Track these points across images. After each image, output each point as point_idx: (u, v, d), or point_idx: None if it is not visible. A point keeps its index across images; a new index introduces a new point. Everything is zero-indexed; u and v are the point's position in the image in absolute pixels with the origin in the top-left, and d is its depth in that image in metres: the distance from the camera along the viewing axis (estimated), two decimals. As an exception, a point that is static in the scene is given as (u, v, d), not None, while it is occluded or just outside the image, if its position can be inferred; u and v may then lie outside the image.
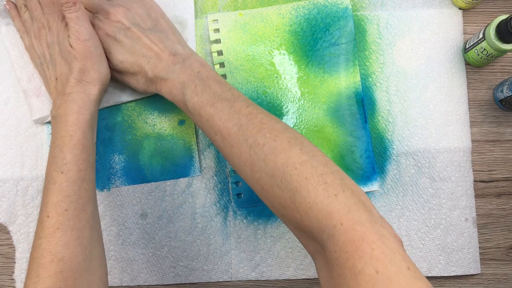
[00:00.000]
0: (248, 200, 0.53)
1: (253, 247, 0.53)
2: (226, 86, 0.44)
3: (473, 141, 0.55)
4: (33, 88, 0.52)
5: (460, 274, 0.53)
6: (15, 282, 0.53)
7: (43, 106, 0.52)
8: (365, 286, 0.30)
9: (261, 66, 0.54)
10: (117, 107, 0.54)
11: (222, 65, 0.54)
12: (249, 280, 0.54)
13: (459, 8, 0.55)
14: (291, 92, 0.54)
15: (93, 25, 0.48)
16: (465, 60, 0.55)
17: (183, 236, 0.53)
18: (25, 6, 0.50)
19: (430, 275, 0.53)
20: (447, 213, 0.53)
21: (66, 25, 0.46)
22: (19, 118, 0.53)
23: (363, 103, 0.54)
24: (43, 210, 0.41)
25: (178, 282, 0.53)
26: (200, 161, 0.54)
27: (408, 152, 0.54)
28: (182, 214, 0.53)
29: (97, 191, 0.53)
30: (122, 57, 0.47)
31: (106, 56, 0.48)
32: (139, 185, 0.53)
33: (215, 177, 0.54)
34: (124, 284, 0.53)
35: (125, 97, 0.53)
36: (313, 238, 0.36)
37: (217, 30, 0.55)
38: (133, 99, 0.53)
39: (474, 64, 0.55)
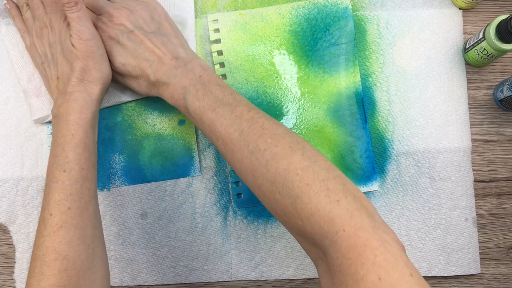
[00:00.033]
0: (248, 200, 0.53)
1: (253, 247, 0.53)
2: (228, 90, 0.44)
3: (473, 141, 0.55)
4: (33, 88, 0.52)
5: (460, 274, 0.53)
6: (15, 282, 0.53)
7: (43, 106, 0.52)
8: None
9: (261, 66, 0.54)
10: (117, 107, 0.54)
11: (222, 65, 0.54)
12: (249, 280, 0.54)
13: (459, 8, 0.56)
14: (291, 92, 0.54)
15: (96, 27, 0.48)
16: (465, 60, 0.55)
17: (183, 236, 0.53)
18: (27, 5, 0.50)
19: (430, 275, 0.53)
20: (447, 213, 0.53)
21: (68, 25, 0.46)
22: (19, 118, 0.53)
23: (363, 103, 0.54)
24: (45, 209, 0.40)
25: (178, 282, 0.53)
26: (200, 161, 0.54)
27: (408, 152, 0.54)
28: (182, 214, 0.53)
29: (97, 191, 0.53)
30: (124, 60, 0.47)
31: (109, 59, 0.48)
32: (139, 185, 0.53)
33: (215, 177, 0.54)
34: (124, 284, 0.53)
35: (125, 97, 0.53)
36: (315, 244, 0.36)
37: (217, 30, 0.55)
38: (134, 99, 0.53)
39: (474, 64, 0.55)
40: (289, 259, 0.53)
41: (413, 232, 0.53)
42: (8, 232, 0.53)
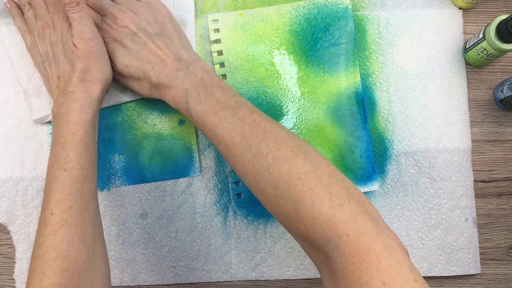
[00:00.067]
0: (248, 200, 0.53)
1: (253, 247, 0.53)
2: (230, 92, 0.44)
3: (473, 141, 0.55)
4: (33, 88, 0.52)
5: (460, 274, 0.53)
6: (15, 282, 0.53)
7: (43, 106, 0.52)
8: None
9: (261, 66, 0.54)
10: (117, 107, 0.54)
11: (222, 65, 0.54)
12: (249, 280, 0.54)
13: (459, 8, 0.56)
14: (291, 92, 0.54)
15: (100, 28, 0.48)
16: (465, 60, 0.55)
17: (183, 236, 0.53)
18: (29, 4, 0.50)
19: (430, 275, 0.53)
20: (447, 213, 0.53)
21: (70, 25, 0.46)
22: (19, 118, 0.53)
23: (363, 103, 0.54)
24: (46, 208, 0.40)
25: (178, 282, 0.53)
26: (200, 161, 0.54)
27: (408, 152, 0.54)
28: (182, 214, 0.53)
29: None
30: (127, 62, 0.48)
31: (112, 60, 0.49)
32: (139, 185, 0.53)
33: (215, 177, 0.54)
34: (124, 284, 0.53)
35: (125, 97, 0.53)
36: (318, 249, 0.36)
37: (217, 30, 0.55)
38: (134, 99, 0.53)
39: (474, 64, 0.55)
40: (289, 259, 0.53)
41: (413, 232, 0.53)
42: (8, 232, 0.53)
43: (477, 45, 0.51)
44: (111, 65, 0.49)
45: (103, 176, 0.53)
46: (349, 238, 0.33)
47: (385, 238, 0.33)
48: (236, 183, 0.53)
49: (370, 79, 0.55)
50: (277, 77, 0.54)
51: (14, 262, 0.53)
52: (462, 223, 0.53)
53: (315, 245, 0.36)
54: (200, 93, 0.44)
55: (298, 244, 0.53)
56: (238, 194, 0.53)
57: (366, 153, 0.53)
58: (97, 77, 0.46)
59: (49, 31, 0.48)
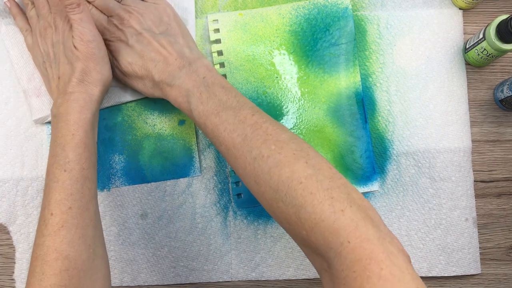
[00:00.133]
0: (248, 200, 0.53)
1: (253, 247, 0.53)
2: (232, 92, 0.44)
3: (473, 141, 0.55)
4: (33, 88, 0.52)
5: (460, 274, 0.53)
6: (15, 282, 0.53)
7: (43, 106, 0.52)
8: None
9: (261, 66, 0.54)
10: (117, 107, 0.54)
11: (222, 65, 0.54)
12: (249, 280, 0.53)
13: (459, 8, 0.56)
14: (291, 92, 0.54)
15: (106, 29, 0.49)
16: (465, 60, 0.55)
17: (183, 236, 0.53)
18: (32, 3, 0.50)
19: (430, 275, 0.53)
20: (447, 213, 0.53)
21: (72, 26, 0.46)
22: (19, 118, 0.53)
23: (363, 103, 0.54)
24: (45, 208, 0.40)
25: (178, 282, 0.53)
26: (200, 161, 0.54)
27: (408, 152, 0.54)
28: (182, 214, 0.53)
29: (97, 191, 0.53)
30: (131, 59, 0.48)
31: (116, 59, 0.49)
32: (139, 185, 0.53)
33: (215, 177, 0.54)
34: (124, 284, 0.53)
35: (126, 97, 0.53)
36: (320, 254, 0.35)
37: (217, 30, 0.55)
38: (134, 99, 0.53)
39: (474, 64, 0.55)
40: (289, 259, 0.53)
41: (413, 232, 0.53)
42: (8, 233, 0.53)
43: (477, 45, 0.51)
44: (115, 65, 0.49)
45: (103, 176, 0.53)
46: (351, 245, 0.33)
47: (387, 244, 0.33)
48: (236, 183, 0.53)
49: (370, 79, 0.55)
50: (277, 77, 0.54)
51: (14, 262, 0.53)
52: (462, 223, 0.53)
53: (317, 250, 0.35)
54: (202, 93, 0.44)
55: (298, 244, 0.53)
56: (238, 194, 0.53)
57: (366, 153, 0.53)
58: (96, 79, 0.46)
59: (50, 31, 0.48)
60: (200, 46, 0.55)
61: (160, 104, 0.54)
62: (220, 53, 0.54)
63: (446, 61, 0.55)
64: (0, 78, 0.53)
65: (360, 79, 0.54)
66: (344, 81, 0.54)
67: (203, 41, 0.55)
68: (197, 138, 0.54)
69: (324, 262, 0.35)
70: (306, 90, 0.54)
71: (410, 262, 0.33)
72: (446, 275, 0.53)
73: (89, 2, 0.49)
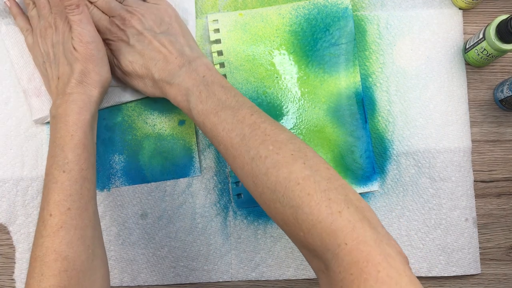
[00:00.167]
0: (248, 200, 0.53)
1: (253, 247, 0.53)
2: (231, 92, 0.44)
3: (473, 141, 0.55)
4: (33, 88, 0.52)
5: (460, 274, 0.53)
6: (15, 282, 0.53)
7: (43, 106, 0.52)
8: None
9: (261, 66, 0.54)
10: (117, 107, 0.54)
11: (222, 65, 0.54)
12: (249, 280, 0.54)
13: (459, 8, 0.55)
14: (291, 92, 0.54)
15: (108, 29, 0.49)
16: (465, 60, 0.55)
17: (183, 236, 0.53)
18: (33, 3, 0.50)
19: (430, 275, 0.53)
20: (447, 213, 0.53)
21: (71, 27, 0.46)
22: (19, 118, 0.53)
23: (363, 103, 0.54)
24: (44, 209, 0.40)
25: (178, 282, 0.53)
26: (200, 161, 0.54)
27: (408, 152, 0.54)
28: (182, 214, 0.53)
29: (97, 191, 0.53)
30: (132, 58, 0.48)
31: (117, 58, 0.49)
32: (139, 185, 0.53)
33: (215, 177, 0.54)
34: (124, 284, 0.53)
35: (125, 97, 0.53)
36: (317, 256, 0.35)
37: (217, 30, 0.55)
38: (134, 99, 0.53)
39: (474, 64, 0.55)
40: (289, 259, 0.53)
41: (413, 232, 0.53)
42: (8, 233, 0.53)
43: (477, 45, 0.51)
44: (116, 64, 0.49)
45: (103, 176, 0.53)
46: (348, 247, 0.32)
47: (384, 246, 0.32)
48: (236, 183, 0.53)
49: (370, 79, 0.55)
50: (277, 77, 0.54)
51: (14, 262, 0.53)
52: (462, 223, 0.53)
53: (314, 252, 0.35)
54: (201, 92, 0.44)
55: (298, 244, 0.53)
56: (238, 194, 0.53)
57: (366, 153, 0.53)
58: (95, 80, 0.46)
59: (51, 32, 0.48)
60: (200, 46, 0.55)
61: (160, 104, 0.54)
62: (220, 53, 0.54)
63: (446, 61, 0.55)
64: (0, 78, 0.53)
65: (360, 79, 0.54)
66: (344, 81, 0.54)
67: (203, 41, 0.55)
68: (197, 138, 0.54)
69: (321, 263, 0.35)
70: (306, 90, 0.54)
71: (408, 264, 0.33)
72: (446, 275, 0.53)
73: (91, 3, 0.49)
